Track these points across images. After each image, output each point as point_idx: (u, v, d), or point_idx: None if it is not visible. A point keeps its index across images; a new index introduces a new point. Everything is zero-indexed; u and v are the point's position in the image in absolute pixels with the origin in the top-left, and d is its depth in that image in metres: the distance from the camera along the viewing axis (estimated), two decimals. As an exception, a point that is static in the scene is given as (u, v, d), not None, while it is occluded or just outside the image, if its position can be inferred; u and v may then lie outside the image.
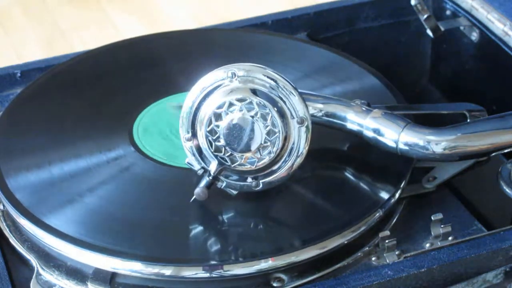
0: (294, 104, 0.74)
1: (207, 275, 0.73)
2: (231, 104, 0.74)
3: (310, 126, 0.75)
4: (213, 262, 0.73)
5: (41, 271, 0.76)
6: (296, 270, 0.75)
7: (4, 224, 0.81)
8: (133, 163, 0.82)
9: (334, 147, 0.84)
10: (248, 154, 0.74)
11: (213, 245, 0.75)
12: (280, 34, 1.01)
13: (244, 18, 1.04)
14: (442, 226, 0.77)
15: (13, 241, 0.80)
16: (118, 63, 0.96)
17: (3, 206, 0.81)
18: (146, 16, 1.63)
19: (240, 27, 1.02)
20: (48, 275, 0.76)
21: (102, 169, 0.81)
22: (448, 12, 1.03)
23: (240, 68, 0.74)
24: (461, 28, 1.01)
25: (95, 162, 0.82)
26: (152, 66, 0.95)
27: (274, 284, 0.75)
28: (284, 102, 0.74)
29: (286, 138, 0.74)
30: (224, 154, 0.75)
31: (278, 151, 0.75)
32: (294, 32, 1.04)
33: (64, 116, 0.88)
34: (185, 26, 1.47)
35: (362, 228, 0.77)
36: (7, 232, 0.81)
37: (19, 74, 0.97)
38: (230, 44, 0.98)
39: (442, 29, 0.99)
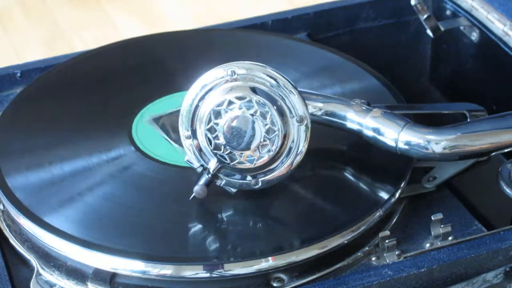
0: (294, 102, 0.74)
1: (207, 274, 0.73)
2: (230, 102, 0.74)
3: (309, 125, 0.75)
4: (213, 262, 0.73)
5: (41, 271, 0.76)
6: (296, 270, 0.75)
7: (4, 224, 0.81)
8: (133, 162, 0.82)
9: (334, 147, 0.84)
10: (247, 152, 0.75)
11: (213, 245, 0.75)
12: (280, 34, 1.01)
13: (244, 18, 1.04)
14: (442, 226, 0.77)
15: (13, 241, 0.80)
16: (118, 63, 0.96)
17: (3, 206, 0.81)
18: (146, 16, 1.63)
19: (240, 27, 1.02)
20: (48, 275, 0.76)
21: (102, 169, 0.81)
22: (448, 12, 1.03)
23: (240, 66, 0.74)
24: (461, 28, 1.01)
25: (95, 162, 0.82)
26: (152, 66, 0.95)
27: (274, 284, 0.75)
28: (284, 100, 0.74)
29: (285, 137, 0.74)
30: (223, 152, 0.75)
31: (277, 149, 0.75)
32: (294, 32, 1.04)
33: (64, 116, 0.88)
34: (185, 26, 1.47)
35: (362, 228, 0.77)
36: (7, 232, 0.81)
37: (19, 74, 0.97)
38: (230, 44, 0.98)
39: (442, 29, 0.99)
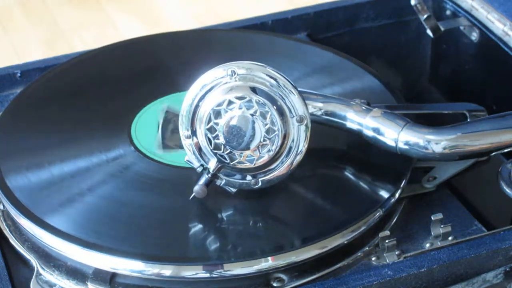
0: (294, 102, 0.74)
1: (207, 275, 0.73)
2: (230, 102, 0.74)
3: (309, 125, 0.75)
4: (213, 262, 0.73)
5: (41, 271, 0.76)
6: (296, 270, 0.75)
7: (4, 224, 0.81)
8: (133, 162, 0.82)
9: (334, 147, 0.84)
10: (247, 152, 0.75)
11: (213, 245, 0.75)
12: (280, 34, 1.01)
13: (244, 18, 1.04)
14: (442, 226, 0.77)
15: (13, 241, 0.80)
16: (118, 63, 0.96)
17: (3, 206, 0.81)
18: (146, 16, 1.63)
19: (240, 27, 1.02)
20: (48, 275, 0.76)
21: (102, 169, 0.81)
22: (448, 12, 1.03)
23: (240, 66, 0.74)
24: (461, 28, 1.01)
25: (95, 162, 0.82)
26: (152, 66, 0.95)
27: (274, 284, 0.75)
28: (284, 100, 0.74)
29: (285, 137, 0.74)
30: (223, 152, 0.75)
31: (277, 149, 0.75)
32: (294, 32, 1.04)
33: (64, 116, 0.88)
34: (185, 26, 1.47)
35: (362, 228, 0.77)
36: (7, 232, 0.81)
37: (19, 74, 0.97)
38: (230, 44, 0.98)
39: (442, 29, 0.99)
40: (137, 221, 0.76)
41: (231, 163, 0.75)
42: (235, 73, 0.74)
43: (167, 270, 0.73)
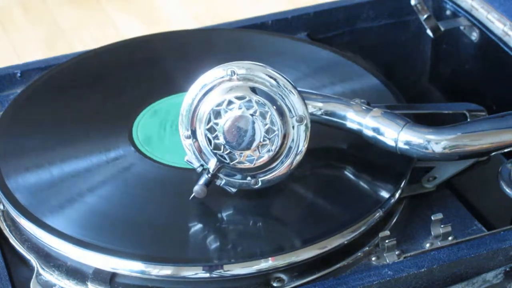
0: (294, 102, 0.74)
1: (207, 275, 0.73)
2: (230, 102, 0.74)
3: (309, 125, 0.75)
4: (213, 262, 0.73)
5: (41, 271, 0.76)
6: (296, 270, 0.75)
7: (4, 224, 0.81)
8: (133, 163, 0.82)
9: (334, 147, 0.84)
10: (247, 152, 0.75)
11: (213, 245, 0.75)
12: (280, 34, 1.01)
13: (244, 18, 1.04)
14: (442, 226, 0.77)
15: (13, 241, 0.80)
16: (118, 63, 0.96)
17: (3, 206, 0.81)
18: (146, 16, 1.63)
19: (240, 27, 1.02)
20: (48, 275, 0.76)
21: (102, 169, 0.81)
22: (448, 12, 1.03)
23: (240, 66, 0.74)
24: (461, 28, 1.01)
25: (95, 162, 0.82)
26: (152, 66, 0.95)
27: (274, 284, 0.75)
28: (284, 100, 0.74)
29: (285, 136, 0.74)
30: (223, 152, 0.75)
31: (277, 149, 0.75)
32: (294, 32, 1.04)
33: (64, 116, 0.88)
34: (185, 26, 1.47)
35: (362, 228, 0.77)
36: (7, 232, 0.81)
37: (19, 74, 0.97)
38: (230, 44, 0.98)
39: (442, 29, 0.99)
40: (137, 221, 0.76)
41: (231, 163, 0.75)
42: (235, 73, 0.74)
43: (167, 270, 0.73)
